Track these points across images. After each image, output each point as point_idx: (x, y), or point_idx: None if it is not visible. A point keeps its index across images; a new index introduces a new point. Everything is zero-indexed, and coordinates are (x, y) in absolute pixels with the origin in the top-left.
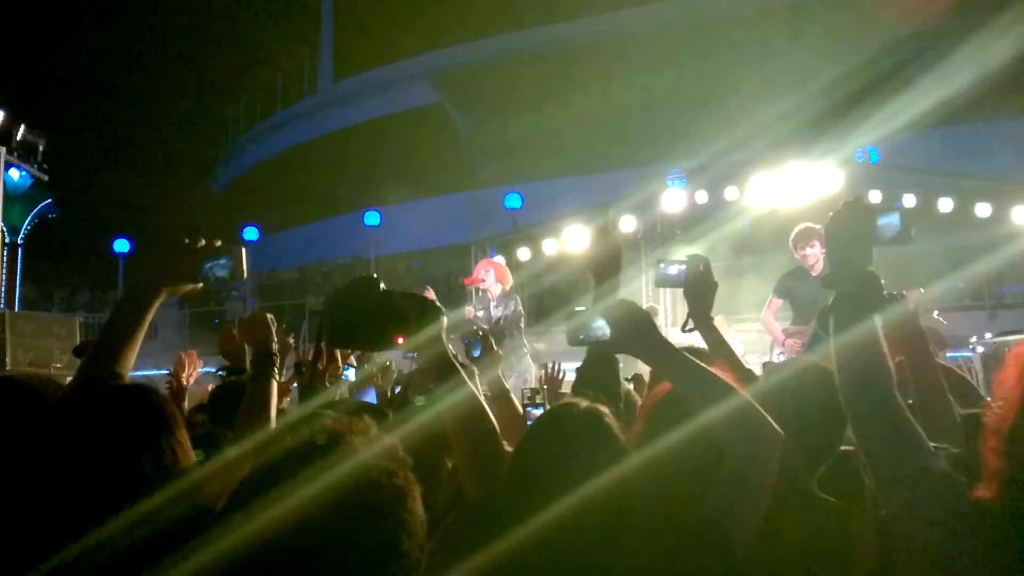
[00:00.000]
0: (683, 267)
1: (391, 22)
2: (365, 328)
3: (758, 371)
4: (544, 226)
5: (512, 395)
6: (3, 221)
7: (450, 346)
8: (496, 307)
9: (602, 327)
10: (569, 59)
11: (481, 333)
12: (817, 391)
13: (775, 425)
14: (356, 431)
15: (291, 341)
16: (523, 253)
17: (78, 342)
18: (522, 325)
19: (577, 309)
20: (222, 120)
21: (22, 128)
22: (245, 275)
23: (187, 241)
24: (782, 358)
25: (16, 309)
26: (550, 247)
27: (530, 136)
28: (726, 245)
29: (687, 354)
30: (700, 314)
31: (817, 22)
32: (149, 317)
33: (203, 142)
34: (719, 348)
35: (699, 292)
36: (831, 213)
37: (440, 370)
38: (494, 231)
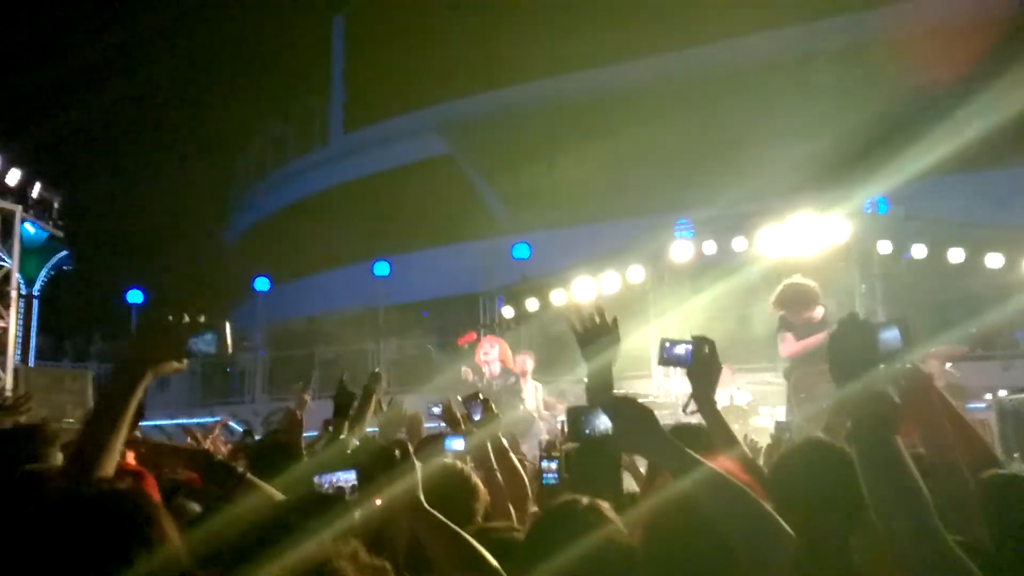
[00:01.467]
0: (688, 347)
1: (401, 73)
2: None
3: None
4: (553, 276)
5: (511, 454)
6: (19, 273)
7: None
8: (496, 379)
9: (605, 423)
10: (577, 111)
11: (482, 397)
12: (828, 473)
13: (784, 525)
14: (343, 555)
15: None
16: (531, 304)
17: (91, 395)
18: (522, 396)
19: (576, 405)
20: (233, 170)
21: (38, 186)
22: (231, 350)
23: (171, 319)
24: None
25: (31, 360)
26: (558, 297)
27: (538, 186)
28: (732, 294)
29: (689, 451)
30: (704, 396)
31: (825, 74)
32: (135, 401)
33: (215, 193)
34: (720, 431)
35: (703, 373)
36: (828, 333)
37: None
38: (503, 281)
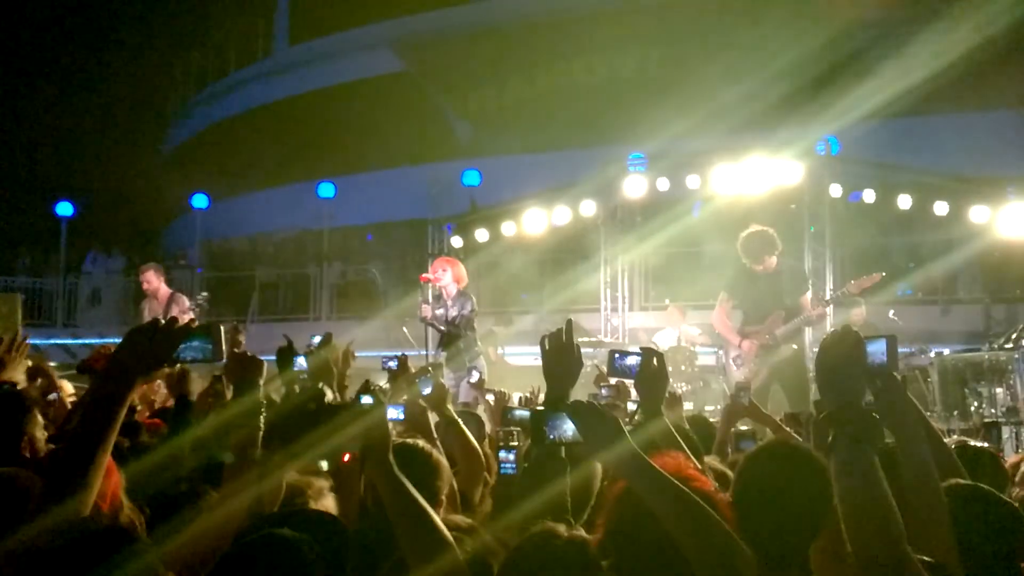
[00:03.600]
0: (638, 359)
1: None
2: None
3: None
4: (503, 206)
5: (461, 424)
6: None
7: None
8: (452, 307)
9: (570, 428)
10: (533, 33)
11: (431, 370)
12: (796, 481)
13: (743, 546)
14: None
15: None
16: (481, 234)
17: (20, 318)
18: (475, 324)
19: (538, 408)
20: (172, 79)
21: None
22: (224, 356)
23: (161, 324)
24: (738, 363)
25: None
26: (509, 229)
27: (491, 111)
28: (685, 233)
29: (660, 469)
30: (651, 407)
31: (779, 8)
32: (123, 413)
33: (152, 104)
34: (669, 443)
35: (652, 386)
36: (822, 342)
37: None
38: (451, 208)
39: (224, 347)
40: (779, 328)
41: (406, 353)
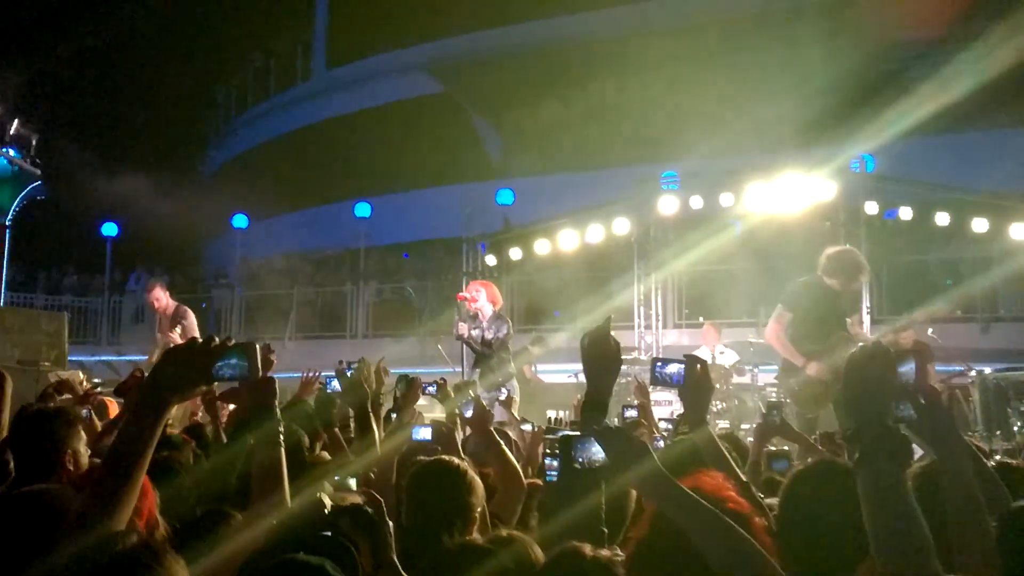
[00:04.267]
0: (680, 367)
1: (388, 10)
2: None
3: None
4: (537, 225)
5: (503, 445)
6: None
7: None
8: (488, 329)
9: (599, 453)
10: (567, 55)
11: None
12: (840, 501)
13: (777, 569)
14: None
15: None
16: (515, 253)
17: (66, 336)
18: (510, 346)
19: (569, 433)
20: (214, 104)
21: (16, 122)
22: (261, 373)
23: (200, 343)
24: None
25: (3, 291)
26: (542, 247)
27: (525, 131)
28: (718, 251)
29: (689, 492)
30: (696, 416)
31: (814, 27)
32: (158, 434)
33: (194, 127)
34: (713, 454)
35: (696, 395)
36: (850, 358)
37: None
38: (486, 227)
39: (259, 366)
40: (843, 351)
41: (443, 375)
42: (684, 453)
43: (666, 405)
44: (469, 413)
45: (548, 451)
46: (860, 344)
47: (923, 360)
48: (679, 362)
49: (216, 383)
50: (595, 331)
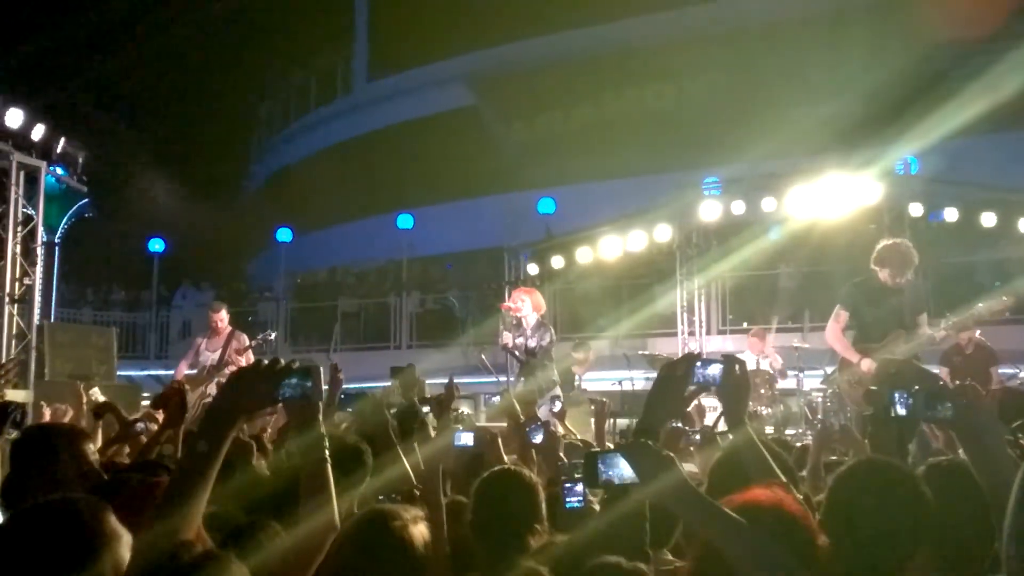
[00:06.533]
0: (720, 367)
1: (426, 23)
2: None
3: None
4: (578, 233)
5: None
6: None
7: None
8: (532, 336)
9: (625, 470)
10: (604, 63)
11: (541, 421)
12: (890, 500)
13: None
14: None
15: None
16: (556, 261)
17: (115, 351)
18: (553, 354)
19: (594, 450)
20: (256, 119)
21: (62, 141)
22: (323, 396)
23: (266, 365)
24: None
25: (52, 307)
26: (584, 255)
27: (564, 140)
28: (761, 255)
29: (716, 503)
30: (735, 417)
31: (858, 29)
32: (223, 452)
33: (238, 142)
34: (753, 455)
35: (735, 394)
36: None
37: None
38: (527, 236)
39: (321, 386)
40: (899, 348)
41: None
42: (728, 466)
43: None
44: (537, 439)
45: (565, 476)
46: (918, 340)
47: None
48: (719, 362)
49: (280, 403)
50: (671, 367)
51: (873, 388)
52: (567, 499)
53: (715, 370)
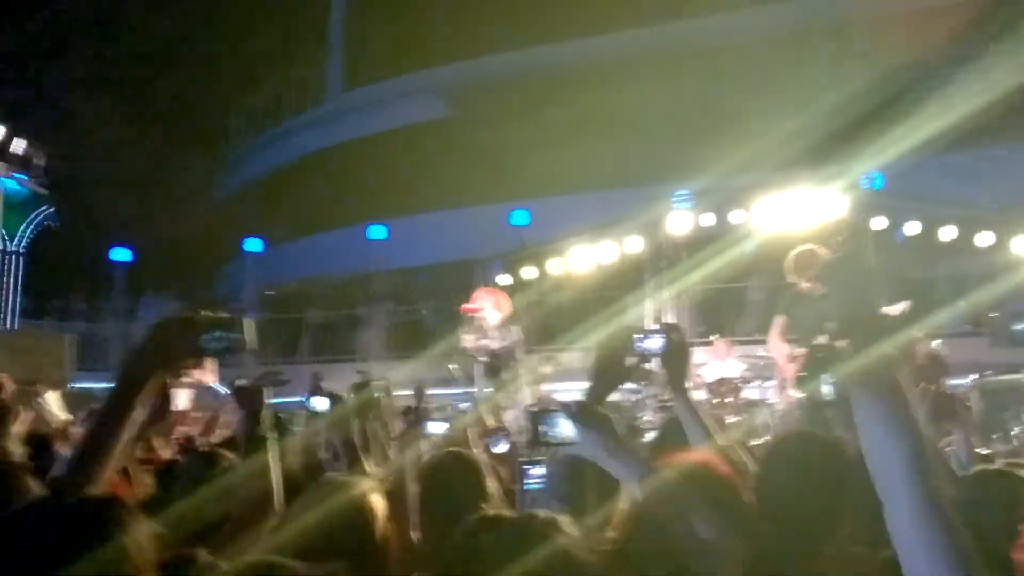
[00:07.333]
0: (660, 336)
1: (401, 34)
2: None
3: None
4: (551, 245)
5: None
6: (3, 230)
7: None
8: (494, 338)
9: (567, 429)
10: (578, 78)
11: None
12: (817, 469)
13: (733, 540)
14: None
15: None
16: (529, 272)
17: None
18: (519, 354)
19: (535, 409)
20: (227, 128)
21: (23, 143)
22: (251, 346)
23: (184, 315)
24: (784, 386)
25: (16, 317)
26: (556, 267)
27: (537, 152)
28: (730, 268)
29: (644, 462)
30: (677, 384)
31: (821, 49)
32: (137, 404)
33: (207, 151)
34: (693, 419)
35: (675, 361)
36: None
37: None
38: (500, 248)
39: (252, 337)
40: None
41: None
42: (669, 432)
43: None
44: (498, 449)
45: (525, 456)
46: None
47: (936, 373)
48: (659, 332)
49: (205, 356)
50: (609, 340)
51: (802, 374)
52: (524, 481)
53: (655, 342)
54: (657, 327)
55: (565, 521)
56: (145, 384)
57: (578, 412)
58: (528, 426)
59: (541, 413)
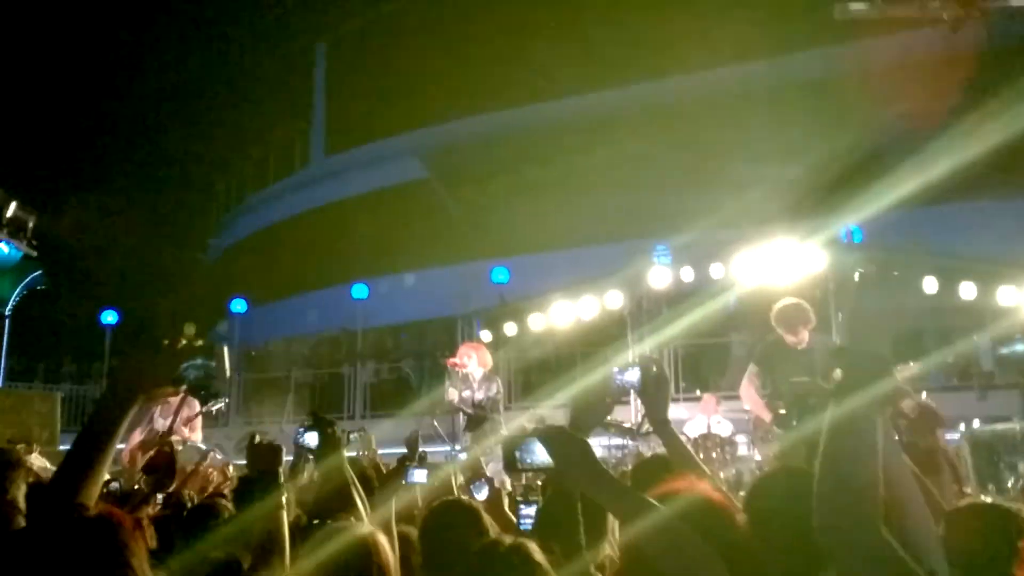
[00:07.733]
0: (637, 370)
1: (382, 99)
2: None
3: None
4: (531, 300)
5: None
6: None
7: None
8: (478, 390)
9: (542, 455)
10: (554, 137)
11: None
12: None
13: (718, 563)
14: None
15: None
16: (510, 328)
17: (58, 418)
18: (500, 407)
19: (511, 435)
20: (214, 193)
21: (13, 205)
22: (228, 374)
23: (167, 343)
24: (768, 439)
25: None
26: (537, 322)
27: (517, 211)
28: (712, 322)
29: (628, 486)
30: (657, 416)
31: (796, 105)
32: (123, 426)
33: (194, 215)
34: (677, 451)
35: (654, 394)
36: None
37: None
38: (481, 305)
39: (228, 367)
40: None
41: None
42: (652, 462)
43: None
44: (481, 496)
45: (520, 498)
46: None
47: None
48: (635, 366)
49: (182, 384)
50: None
51: (782, 412)
52: (521, 521)
53: (633, 375)
54: (635, 361)
55: (532, 548)
56: (125, 412)
57: (553, 437)
58: (504, 451)
59: (517, 439)
